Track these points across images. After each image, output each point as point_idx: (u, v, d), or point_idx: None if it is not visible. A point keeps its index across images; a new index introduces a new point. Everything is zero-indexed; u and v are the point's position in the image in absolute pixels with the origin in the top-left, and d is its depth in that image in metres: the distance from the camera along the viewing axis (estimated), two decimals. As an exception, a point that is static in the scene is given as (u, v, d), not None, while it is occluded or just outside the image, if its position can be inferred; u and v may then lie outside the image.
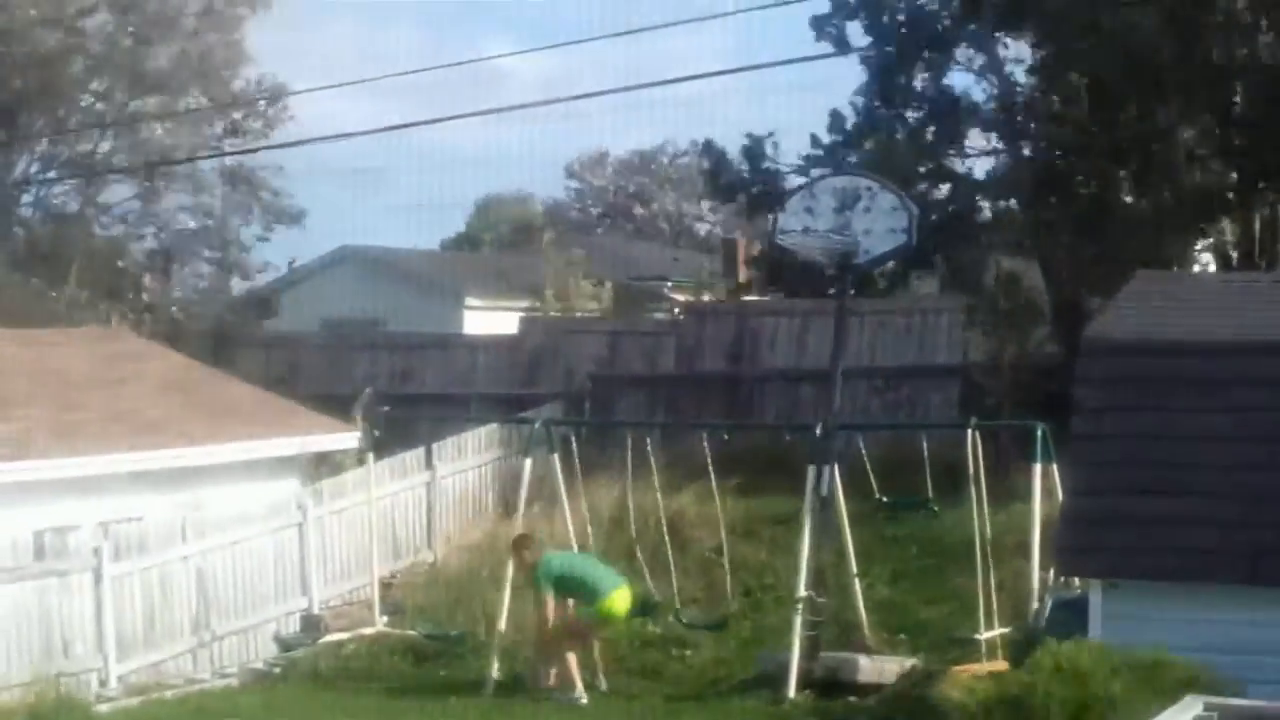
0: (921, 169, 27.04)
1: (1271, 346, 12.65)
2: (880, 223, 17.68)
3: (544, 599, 17.09)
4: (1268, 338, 12.80)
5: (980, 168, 28.29)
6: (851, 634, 17.13)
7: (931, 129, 27.49)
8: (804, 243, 18.09)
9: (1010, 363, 26.56)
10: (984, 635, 15.48)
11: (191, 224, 34.32)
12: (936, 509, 18.18)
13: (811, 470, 16.86)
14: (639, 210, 62.41)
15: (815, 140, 27.61)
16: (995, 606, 15.87)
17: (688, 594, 18.70)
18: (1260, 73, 23.59)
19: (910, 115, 27.78)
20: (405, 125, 61.59)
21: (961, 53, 27.70)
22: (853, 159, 26.59)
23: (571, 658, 16.88)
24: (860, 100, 27.66)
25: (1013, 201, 27.99)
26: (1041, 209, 26.25)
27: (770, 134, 28.32)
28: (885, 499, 18.12)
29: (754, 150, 28.13)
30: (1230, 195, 24.44)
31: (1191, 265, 25.43)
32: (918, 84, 27.70)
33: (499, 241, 51.39)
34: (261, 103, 34.29)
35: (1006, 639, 15.55)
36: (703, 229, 60.45)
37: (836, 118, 27.58)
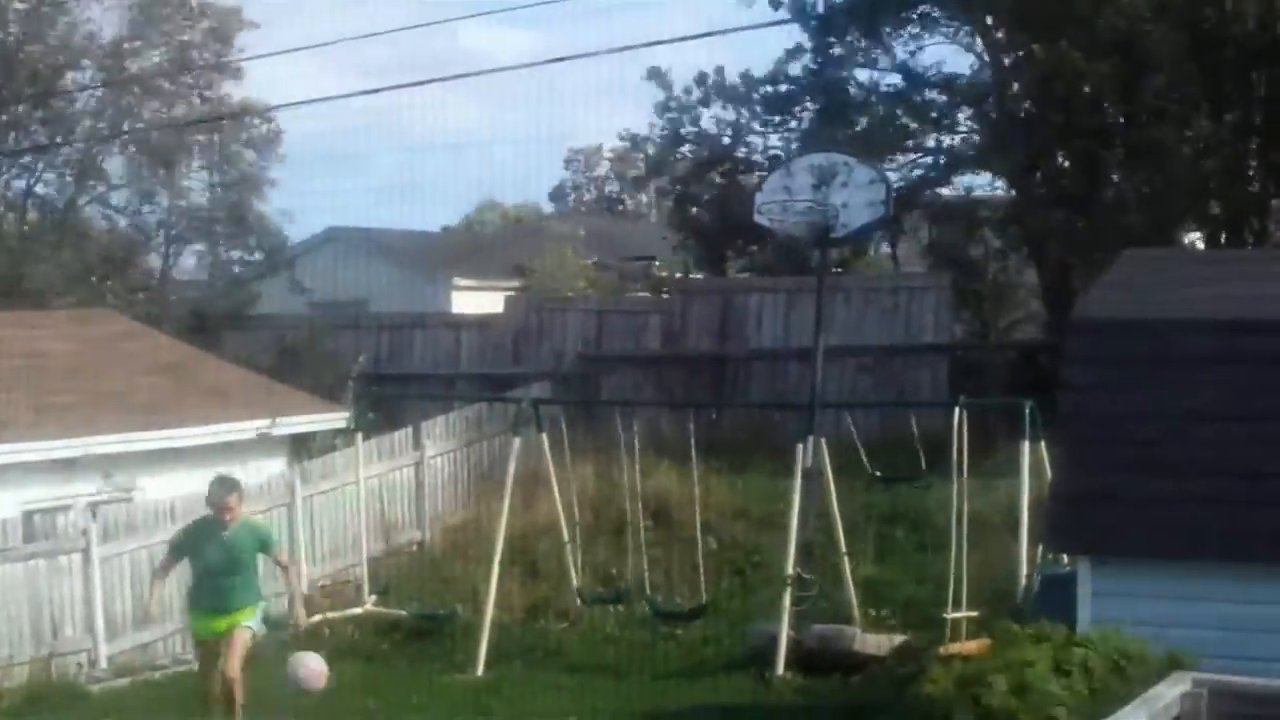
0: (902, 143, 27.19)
1: (1260, 324, 12.64)
2: (858, 196, 17.85)
3: (282, 550, 15.09)
4: (1256, 315, 12.78)
5: (964, 144, 28.36)
6: (840, 612, 17.14)
7: (915, 100, 27.58)
8: (782, 217, 18.20)
9: (998, 342, 26.62)
10: (950, 616, 15.38)
11: (180, 203, 34.13)
12: (929, 484, 18.18)
13: (800, 448, 16.90)
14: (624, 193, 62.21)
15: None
16: (981, 584, 15.84)
17: (676, 574, 18.71)
18: (1246, 42, 23.52)
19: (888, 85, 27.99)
20: (377, 90, 61.42)
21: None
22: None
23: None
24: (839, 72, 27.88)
25: (999, 180, 28.03)
26: (1028, 187, 26.24)
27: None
28: (879, 474, 18.11)
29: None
30: (1218, 172, 24.39)
31: (1180, 243, 25.41)
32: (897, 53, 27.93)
33: (498, 222, 51.38)
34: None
35: (986, 616, 15.44)
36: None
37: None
